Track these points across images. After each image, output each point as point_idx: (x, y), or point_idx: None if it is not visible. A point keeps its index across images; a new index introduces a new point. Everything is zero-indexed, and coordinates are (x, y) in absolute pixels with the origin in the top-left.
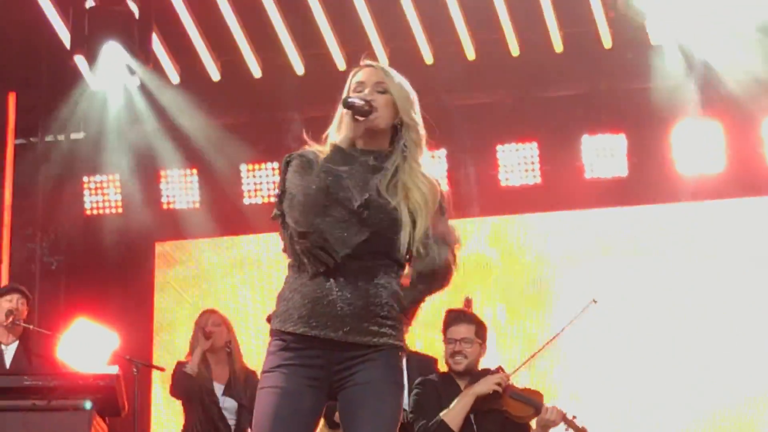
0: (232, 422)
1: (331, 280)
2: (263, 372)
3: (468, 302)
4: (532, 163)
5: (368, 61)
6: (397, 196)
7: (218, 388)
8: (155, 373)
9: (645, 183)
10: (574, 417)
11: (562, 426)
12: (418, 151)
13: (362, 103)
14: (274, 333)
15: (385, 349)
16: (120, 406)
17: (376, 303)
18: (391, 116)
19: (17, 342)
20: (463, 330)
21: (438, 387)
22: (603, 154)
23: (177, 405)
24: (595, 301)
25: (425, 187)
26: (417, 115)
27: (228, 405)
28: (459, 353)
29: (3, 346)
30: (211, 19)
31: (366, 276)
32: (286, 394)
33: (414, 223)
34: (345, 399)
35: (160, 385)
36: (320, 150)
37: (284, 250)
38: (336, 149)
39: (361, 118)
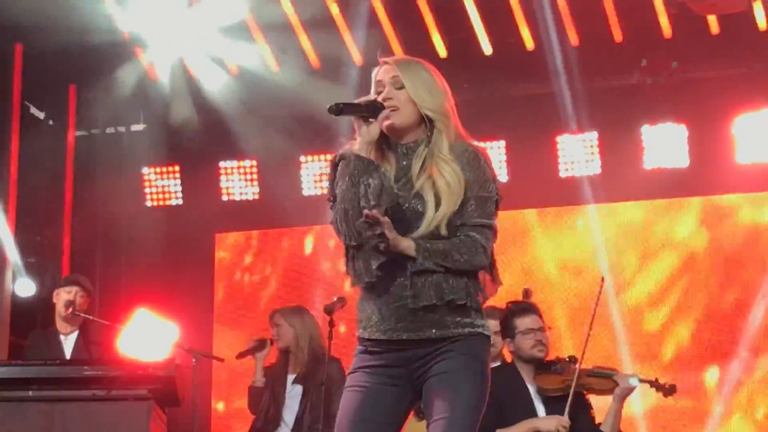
0: (295, 408)
1: (392, 281)
2: (348, 374)
3: (527, 293)
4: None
5: (383, 58)
6: (421, 187)
7: (290, 378)
8: (216, 364)
9: None
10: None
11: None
12: (442, 140)
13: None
14: (358, 339)
15: (461, 339)
16: (178, 396)
17: (441, 295)
18: (414, 110)
19: (77, 332)
20: (538, 319)
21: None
22: None
23: (238, 397)
24: (603, 279)
25: (449, 176)
26: (436, 101)
27: (295, 392)
28: (540, 342)
29: (62, 337)
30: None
31: (421, 271)
32: (366, 391)
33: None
34: (425, 391)
35: (220, 376)
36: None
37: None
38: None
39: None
